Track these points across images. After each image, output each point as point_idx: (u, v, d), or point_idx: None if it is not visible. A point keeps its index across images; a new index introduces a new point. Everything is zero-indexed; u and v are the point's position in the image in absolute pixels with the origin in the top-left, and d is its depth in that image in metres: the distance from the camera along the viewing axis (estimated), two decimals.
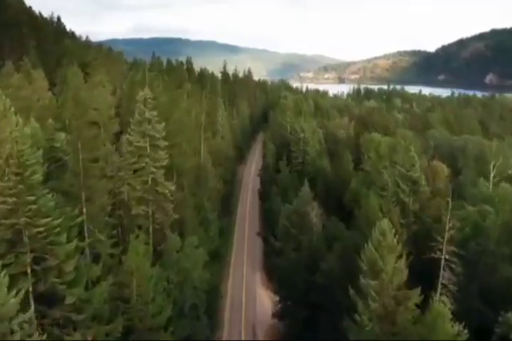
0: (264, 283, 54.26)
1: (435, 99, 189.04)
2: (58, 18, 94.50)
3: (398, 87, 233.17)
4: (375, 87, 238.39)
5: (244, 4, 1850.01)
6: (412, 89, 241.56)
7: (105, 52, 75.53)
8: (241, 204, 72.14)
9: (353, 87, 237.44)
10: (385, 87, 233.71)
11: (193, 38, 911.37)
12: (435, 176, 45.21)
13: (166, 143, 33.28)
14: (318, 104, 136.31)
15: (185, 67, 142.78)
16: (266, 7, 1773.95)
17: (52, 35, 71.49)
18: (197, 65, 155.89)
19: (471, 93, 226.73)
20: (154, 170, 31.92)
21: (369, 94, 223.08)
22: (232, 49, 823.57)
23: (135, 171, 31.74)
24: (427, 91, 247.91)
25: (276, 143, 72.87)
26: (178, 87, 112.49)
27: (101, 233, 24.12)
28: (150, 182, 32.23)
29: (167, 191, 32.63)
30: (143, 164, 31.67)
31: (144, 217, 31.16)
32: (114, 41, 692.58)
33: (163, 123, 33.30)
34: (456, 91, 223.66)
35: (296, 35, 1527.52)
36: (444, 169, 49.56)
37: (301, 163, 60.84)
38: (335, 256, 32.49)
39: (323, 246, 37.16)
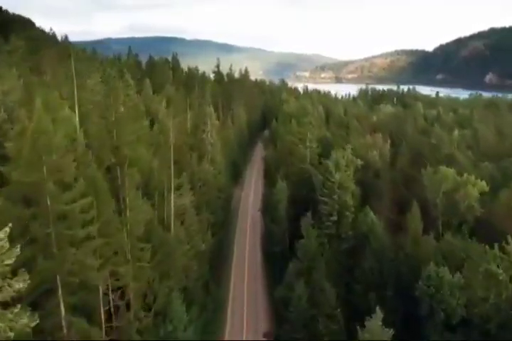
0: None
1: (455, 102, 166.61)
2: None
3: (405, 87, 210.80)
4: (384, 88, 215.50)
5: (241, 4, 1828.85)
6: (422, 90, 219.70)
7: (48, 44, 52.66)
8: (236, 269, 48.15)
9: (360, 88, 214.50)
10: (386, 87, 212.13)
11: (189, 37, 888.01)
12: None
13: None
14: (329, 110, 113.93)
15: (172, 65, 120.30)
16: (263, 6, 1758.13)
17: None
18: (192, 65, 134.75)
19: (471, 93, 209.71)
20: None
21: (377, 95, 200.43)
22: (229, 48, 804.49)
23: None
24: (426, 90, 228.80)
25: (290, 179, 49.06)
26: (157, 91, 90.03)
27: None
28: None
29: None
30: None
31: None
32: (109, 40, 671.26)
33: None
34: (475, 93, 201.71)
35: (293, 34, 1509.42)
36: None
37: (335, 222, 37.78)
38: None
39: None
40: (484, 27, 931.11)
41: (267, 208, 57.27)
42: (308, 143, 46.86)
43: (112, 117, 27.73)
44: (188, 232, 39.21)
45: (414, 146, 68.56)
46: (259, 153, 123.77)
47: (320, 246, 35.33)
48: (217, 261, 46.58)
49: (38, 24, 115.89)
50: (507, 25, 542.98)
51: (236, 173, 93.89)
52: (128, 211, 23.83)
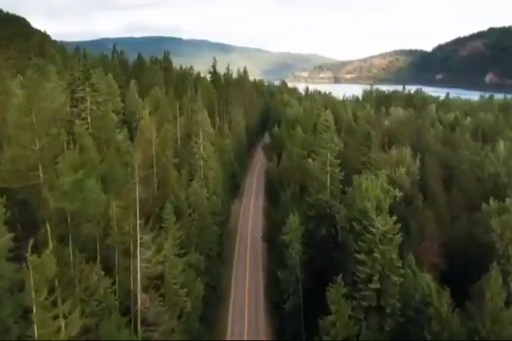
0: None
1: (467, 104, 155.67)
2: None
3: (411, 87, 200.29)
4: (389, 88, 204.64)
5: (238, 3, 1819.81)
6: (431, 91, 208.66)
7: None
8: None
9: (364, 90, 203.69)
10: (386, 87, 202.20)
11: (186, 36, 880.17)
12: None
13: None
14: (337, 114, 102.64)
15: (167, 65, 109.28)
16: (260, 6, 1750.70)
17: None
18: (188, 65, 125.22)
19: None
20: None
21: (382, 97, 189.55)
22: (225, 48, 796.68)
23: None
24: (426, 91, 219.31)
25: (302, 208, 37.65)
26: (145, 94, 79.18)
27: None
28: None
29: None
30: None
31: None
32: (107, 40, 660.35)
33: None
34: (484, 94, 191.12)
35: (291, 34, 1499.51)
36: None
37: (376, 291, 26.82)
38: None
39: None
40: (483, 27, 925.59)
41: (272, 239, 46.80)
42: (329, 167, 35.27)
43: (36, 145, 16.88)
44: (168, 295, 28.46)
45: (443, 161, 57.95)
46: (259, 159, 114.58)
47: (356, 325, 24.45)
48: (208, 322, 35.71)
49: (38, 24, 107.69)
50: (507, 25, 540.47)
51: (234, 186, 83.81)
52: (36, 329, 13.13)
